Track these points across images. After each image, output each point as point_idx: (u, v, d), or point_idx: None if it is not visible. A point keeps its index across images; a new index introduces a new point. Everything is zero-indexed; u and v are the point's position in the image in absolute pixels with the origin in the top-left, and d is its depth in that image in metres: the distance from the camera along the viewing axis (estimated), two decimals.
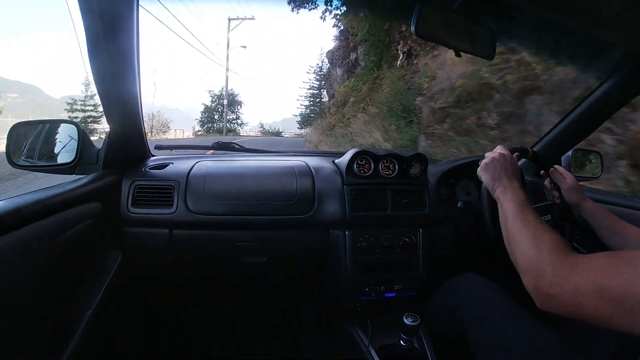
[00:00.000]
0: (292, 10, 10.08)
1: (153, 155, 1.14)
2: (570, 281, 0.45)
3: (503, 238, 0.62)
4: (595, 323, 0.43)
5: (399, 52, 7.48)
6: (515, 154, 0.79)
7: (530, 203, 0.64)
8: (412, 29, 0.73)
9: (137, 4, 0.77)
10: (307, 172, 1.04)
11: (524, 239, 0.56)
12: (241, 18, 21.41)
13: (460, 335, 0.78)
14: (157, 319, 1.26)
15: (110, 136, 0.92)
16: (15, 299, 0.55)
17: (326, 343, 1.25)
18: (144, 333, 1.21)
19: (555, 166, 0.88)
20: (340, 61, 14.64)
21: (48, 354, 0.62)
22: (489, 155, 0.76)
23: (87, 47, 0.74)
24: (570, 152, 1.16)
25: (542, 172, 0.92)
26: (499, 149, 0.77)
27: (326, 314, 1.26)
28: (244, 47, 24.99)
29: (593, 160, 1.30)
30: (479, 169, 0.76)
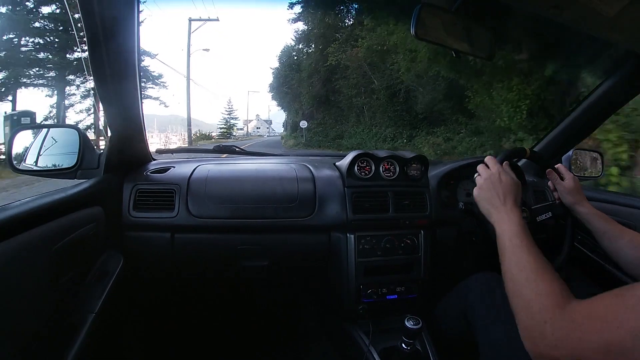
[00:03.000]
0: None
1: (154, 159, 1.14)
2: (572, 339, 0.42)
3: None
4: None
5: None
6: (505, 162, 0.73)
7: (526, 229, 0.60)
8: (412, 30, 0.73)
9: (138, 7, 0.77)
10: (308, 175, 1.04)
11: (520, 288, 0.53)
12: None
13: (468, 337, 0.77)
14: (159, 322, 1.26)
15: (111, 140, 0.92)
16: (18, 303, 0.55)
17: (328, 345, 1.24)
18: (146, 336, 1.21)
19: (557, 165, 0.84)
20: None
21: (51, 357, 0.62)
22: (482, 173, 0.71)
23: (88, 49, 0.74)
24: (571, 152, 1.16)
25: (548, 170, 0.86)
26: (489, 162, 0.72)
27: (328, 316, 1.26)
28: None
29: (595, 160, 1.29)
30: (475, 191, 0.71)
